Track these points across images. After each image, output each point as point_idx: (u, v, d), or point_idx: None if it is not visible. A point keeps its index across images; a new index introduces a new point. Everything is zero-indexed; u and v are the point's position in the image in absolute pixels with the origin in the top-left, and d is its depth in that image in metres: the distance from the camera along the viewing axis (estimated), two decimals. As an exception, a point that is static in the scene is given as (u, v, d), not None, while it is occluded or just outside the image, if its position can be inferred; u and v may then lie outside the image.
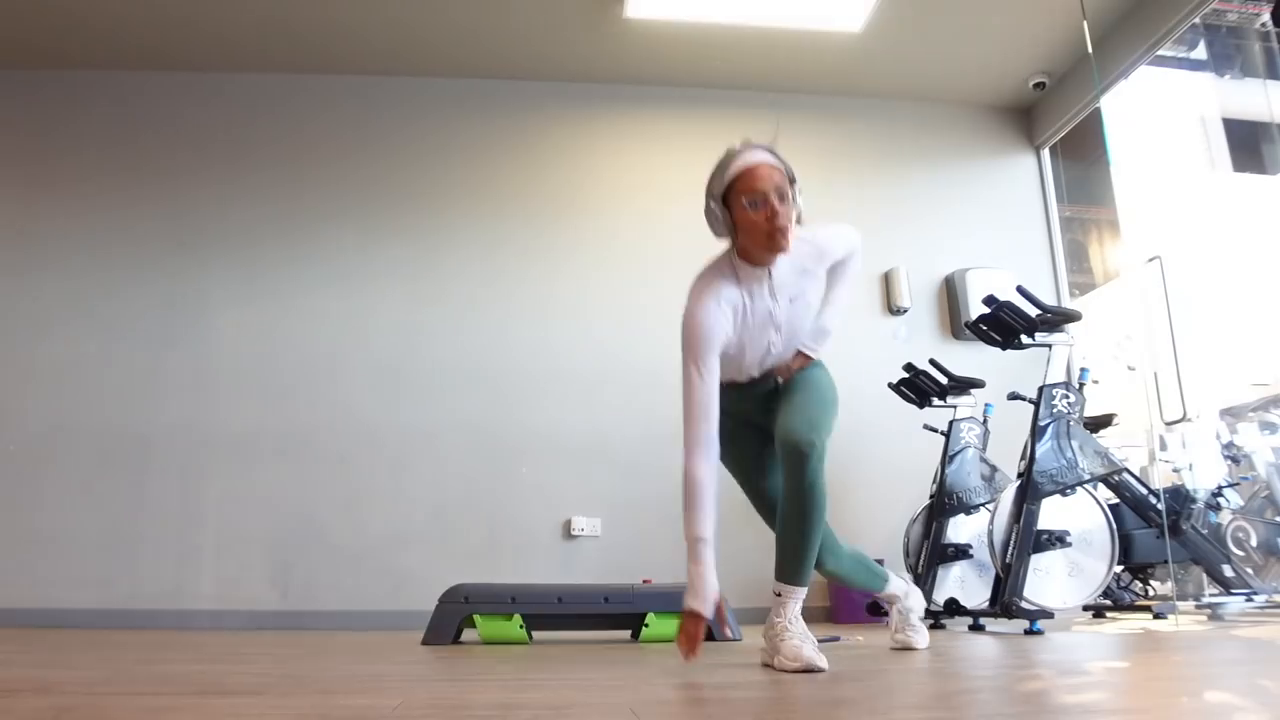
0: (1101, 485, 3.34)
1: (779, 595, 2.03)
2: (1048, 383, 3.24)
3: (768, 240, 1.98)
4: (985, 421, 3.91)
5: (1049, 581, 3.18)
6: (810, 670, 1.82)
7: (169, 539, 4.19)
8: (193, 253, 4.55)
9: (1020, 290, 3.23)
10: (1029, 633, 2.93)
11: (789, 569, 2.03)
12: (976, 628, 3.34)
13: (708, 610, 1.92)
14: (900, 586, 2.46)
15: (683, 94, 4.93)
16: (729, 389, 2.12)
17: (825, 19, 4.41)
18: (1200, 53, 5.97)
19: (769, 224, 1.97)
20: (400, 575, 4.19)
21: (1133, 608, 3.51)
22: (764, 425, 2.18)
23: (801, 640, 1.92)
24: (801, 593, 2.03)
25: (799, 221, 2.05)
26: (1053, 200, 5.10)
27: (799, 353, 2.19)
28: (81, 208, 4.57)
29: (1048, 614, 3.02)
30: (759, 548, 4.30)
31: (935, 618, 3.58)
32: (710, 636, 3.13)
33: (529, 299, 4.62)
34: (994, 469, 3.83)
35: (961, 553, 3.78)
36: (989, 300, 3.23)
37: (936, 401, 3.96)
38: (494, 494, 4.34)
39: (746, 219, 1.99)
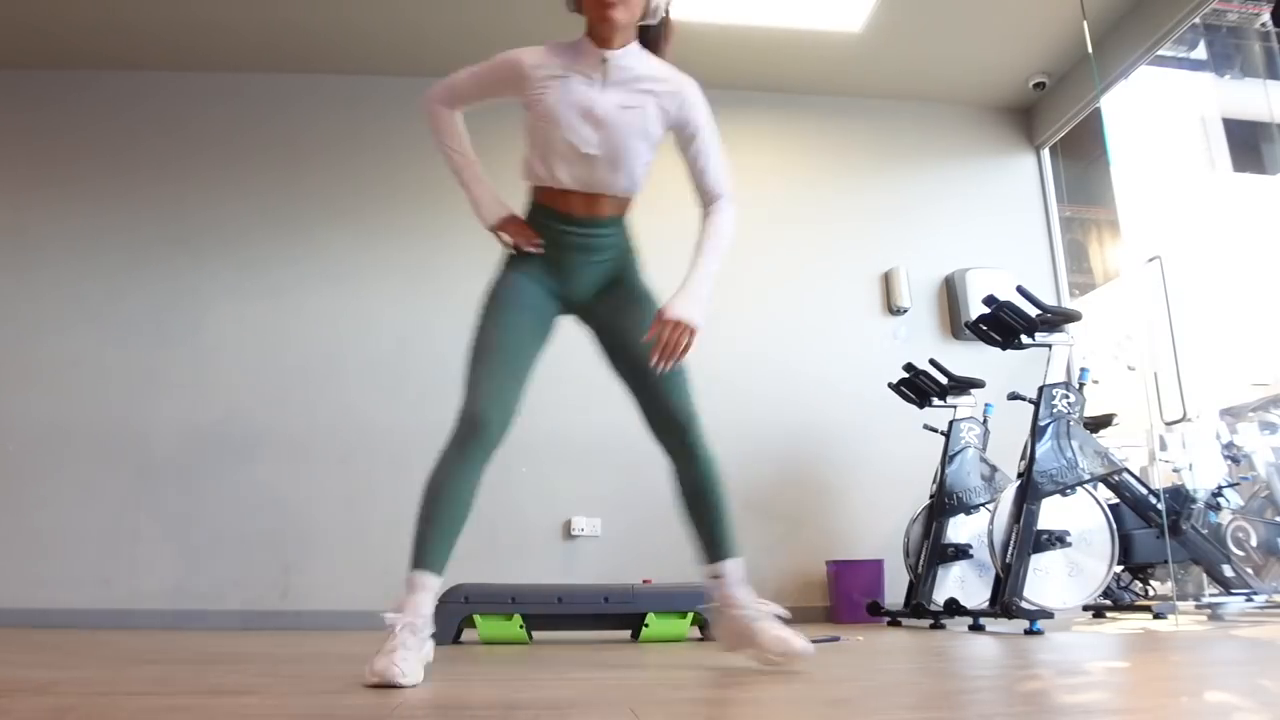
0: (1101, 485, 3.34)
1: (719, 577, 1.99)
2: (1048, 383, 3.24)
3: (599, 6, 1.92)
4: (985, 421, 3.91)
5: (1049, 581, 3.18)
6: (798, 655, 1.82)
7: (169, 539, 4.19)
8: (192, 252, 4.55)
9: (1020, 290, 3.23)
10: (1029, 633, 2.93)
11: (723, 544, 2.00)
12: (976, 628, 3.34)
13: (506, 211, 2.07)
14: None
15: (683, 94, 4.93)
16: (548, 215, 2.03)
17: (825, 19, 4.41)
18: (1200, 53, 5.97)
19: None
20: (400, 575, 4.15)
21: (1133, 608, 3.51)
22: (558, 307, 2.09)
23: (771, 622, 1.90)
24: (741, 563, 2.00)
25: (654, 18, 1.99)
26: (1053, 200, 5.10)
27: (664, 317, 1.92)
28: (80, 207, 4.57)
29: (1048, 614, 3.02)
30: (760, 548, 4.33)
31: (935, 618, 3.58)
32: (710, 637, 3.13)
33: (529, 299, 4.62)
34: (994, 469, 3.83)
35: (961, 553, 3.78)
36: (989, 300, 3.23)
37: (936, 401, 3.96)
38: (494, 494, 4.31)
39: None
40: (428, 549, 1.89)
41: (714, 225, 2.05)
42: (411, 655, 1.71)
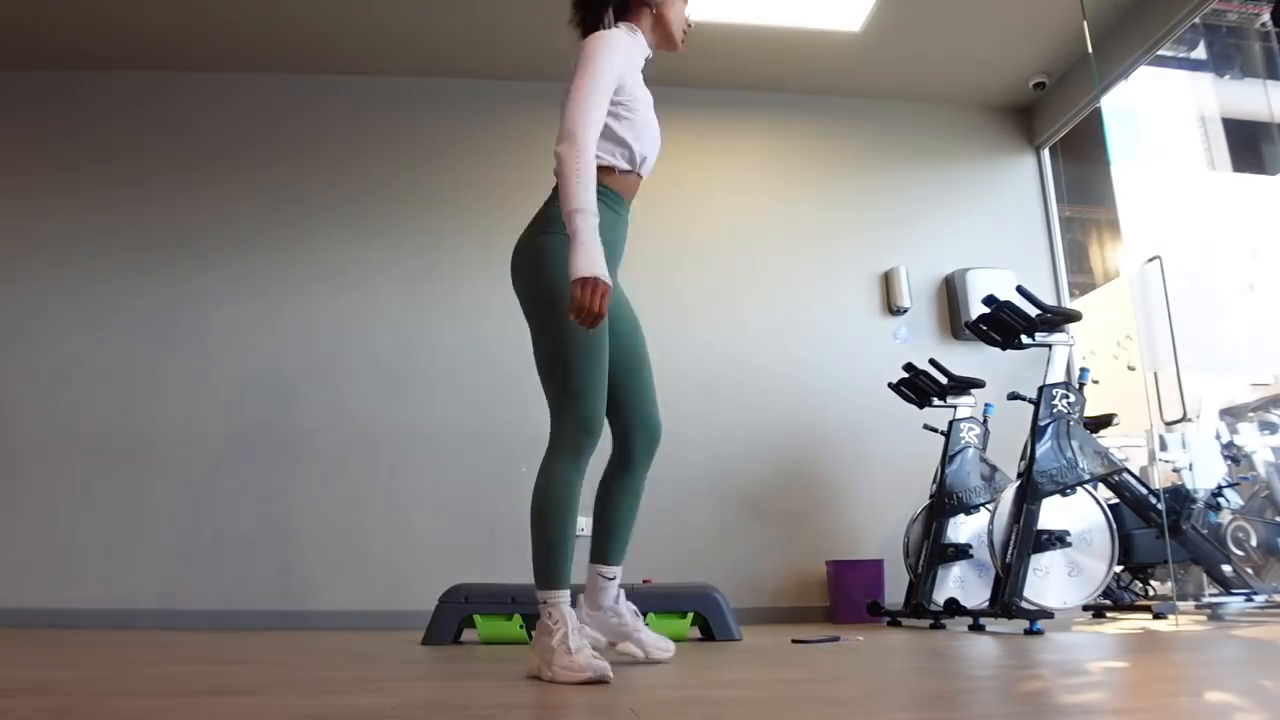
0: (1101, 485, 3.34)
1: (613, 578, 2.14)
2: (1048, 383, 3.24)
3: (675, 39, 2.11)
4: (985, 421, 3.91)
5: (1049, 581, 3.18)
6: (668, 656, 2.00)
7: (169, 539, 4.19)
8: (192, 252, 4.55)
9: (1020, 290, 3.23)
10: (1029, 633, 2.93)
11: (621, 550, 2.16)
12: (976, 628, 3.34)
13: (608, 275, 1.78)
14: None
15: (683, 94, 4.92)
16: (617, 203, 2.03)
17: (825, 19, 4.41)
18: (1200, 53, 5.97)
19: (685, 31, 2.13)
20: (400, 575, 4.19)
21: (1133, 608, 3.51)
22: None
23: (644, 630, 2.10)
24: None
25: None
26: (1053, 200, 5.10)
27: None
28: (80, 207, 4.57)
29: (1048, 614, 3.02)
30: (760, 548, 4.33)
31: (935, 618, 3.58)
32: (710, 636, 3.13)
33: (529, 299, 4.62)
34: (994, 469, 3.83)
35: (961, 553, 3.78)
36: (989, 300, 3.23)
37: (936, 401, 3.96)
38: (494, 494, 4.34)
39: (677, 11, 2.10)
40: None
41: None
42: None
